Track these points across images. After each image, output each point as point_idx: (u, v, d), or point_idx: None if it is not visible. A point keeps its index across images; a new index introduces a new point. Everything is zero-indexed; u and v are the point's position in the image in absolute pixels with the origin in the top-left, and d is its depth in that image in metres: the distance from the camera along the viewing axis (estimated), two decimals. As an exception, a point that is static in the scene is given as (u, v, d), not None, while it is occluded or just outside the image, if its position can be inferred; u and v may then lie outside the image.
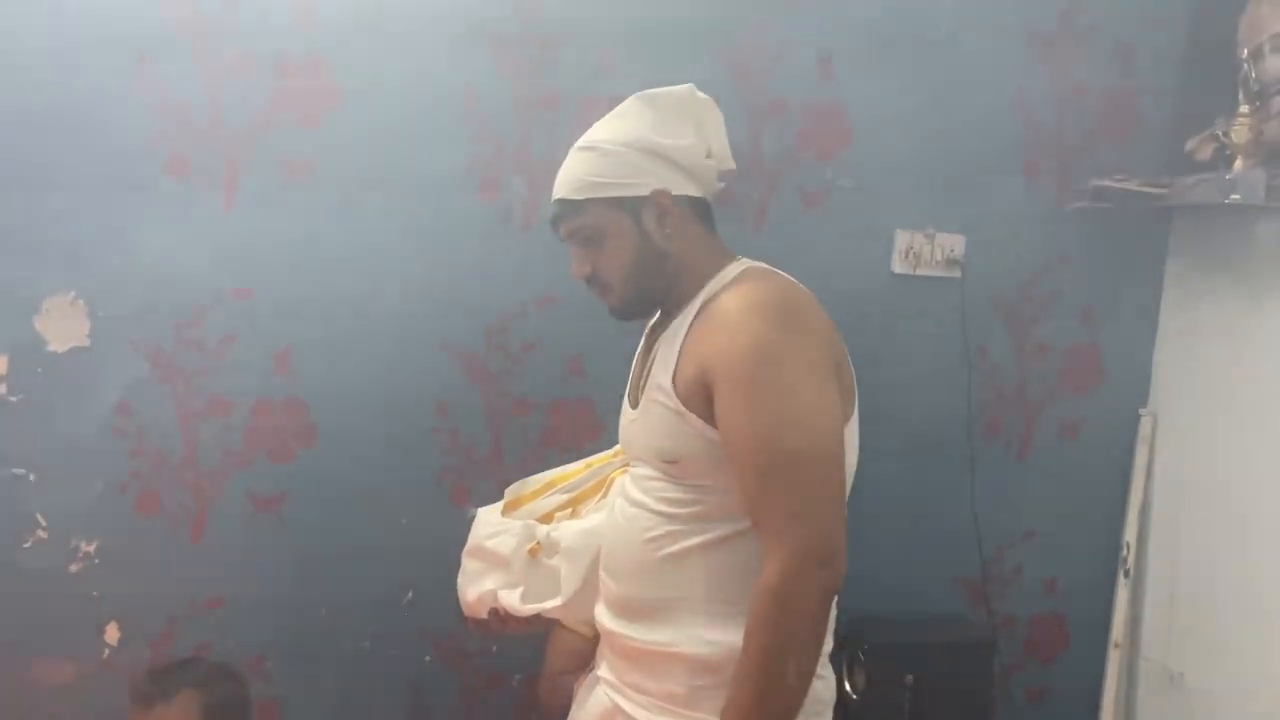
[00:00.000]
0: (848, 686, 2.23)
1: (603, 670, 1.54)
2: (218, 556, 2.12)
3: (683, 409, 1.36)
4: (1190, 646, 2.44)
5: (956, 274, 2.39)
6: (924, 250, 2.37)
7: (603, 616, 1.52)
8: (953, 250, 2.38)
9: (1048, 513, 2.53)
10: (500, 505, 1.75)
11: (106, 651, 2.12)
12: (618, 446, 1.69)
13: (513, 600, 1.62)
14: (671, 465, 1.39)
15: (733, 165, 1.54)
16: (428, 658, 2.26)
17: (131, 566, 2.10)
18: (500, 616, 1.66)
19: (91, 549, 2.10)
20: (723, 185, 1.54)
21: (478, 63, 2.12)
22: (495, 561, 1.65)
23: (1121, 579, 2.56)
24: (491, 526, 1.68)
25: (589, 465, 1.74)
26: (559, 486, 1.73)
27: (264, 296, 2.08)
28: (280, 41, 2.03)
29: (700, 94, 1.49)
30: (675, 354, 1.38)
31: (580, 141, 1.47)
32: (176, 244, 2.04)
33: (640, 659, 1.44)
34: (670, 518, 1.40)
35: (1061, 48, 2.37)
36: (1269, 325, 2.26)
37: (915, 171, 2.34)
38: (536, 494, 1.74)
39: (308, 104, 2.06)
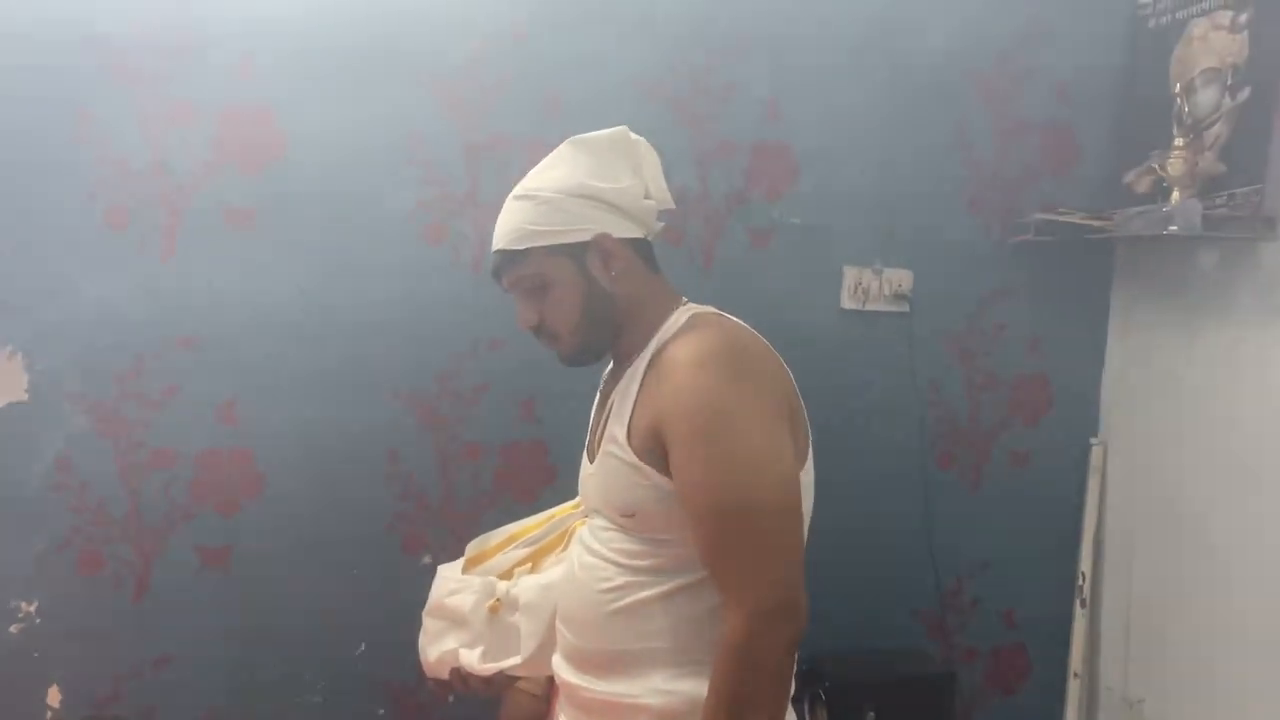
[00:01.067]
0: (809, 726, 2.21)
1: None
2: (163, 613, 2.08)
3: (638, 462, 1.34)
4: (1148, 674, 2.46)
5: (905, 308, 2.41)
6: (872, 286, 2.39)
7: (561, 669, 1.48)
8: (900, 285, 2.40)
9: (1003, 543, 2.54)
10: (461, 562, 1.71)
11: (48, 715, 2.06)
12: (580, 497, 1.67)
13: (472, 659, 1.59)
14: (629, 519, 1.37)
15: (672, 205, 1.52)
16: (381, 711, 2.21)
17: (74, 626, 2.05)
18: (461, 676, 1.62)
19: (32, 609, 2.04)
20: (663, 225, 1.53)
21: (423, 107, 2.12)
22: (455, 619, 1.62)
23: (1078, 608, 2.57)
24: (451, 584, 1.64)
25: (551, 517, 1.71)
26: (521, 540, 1.69)
27: (208, 346, 2.05)
28: (221, 90, 2.02)
29: (634, 135, 1.46)
30: (629, 407, 1.36)
31: (516, 190, 1.45)
32: (116, 294, 2.01)
33: (601, 712, 1.41)
34: (628, 569, 1.38)
35: (1001, 86, 2.41)
36: (1209, 351, 2.30)
37: (861, 209, 2.36)
38: (499, 548, 1.70)
39: (250, 152, 2.04)
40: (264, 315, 2.07)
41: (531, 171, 1.46)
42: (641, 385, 1.36)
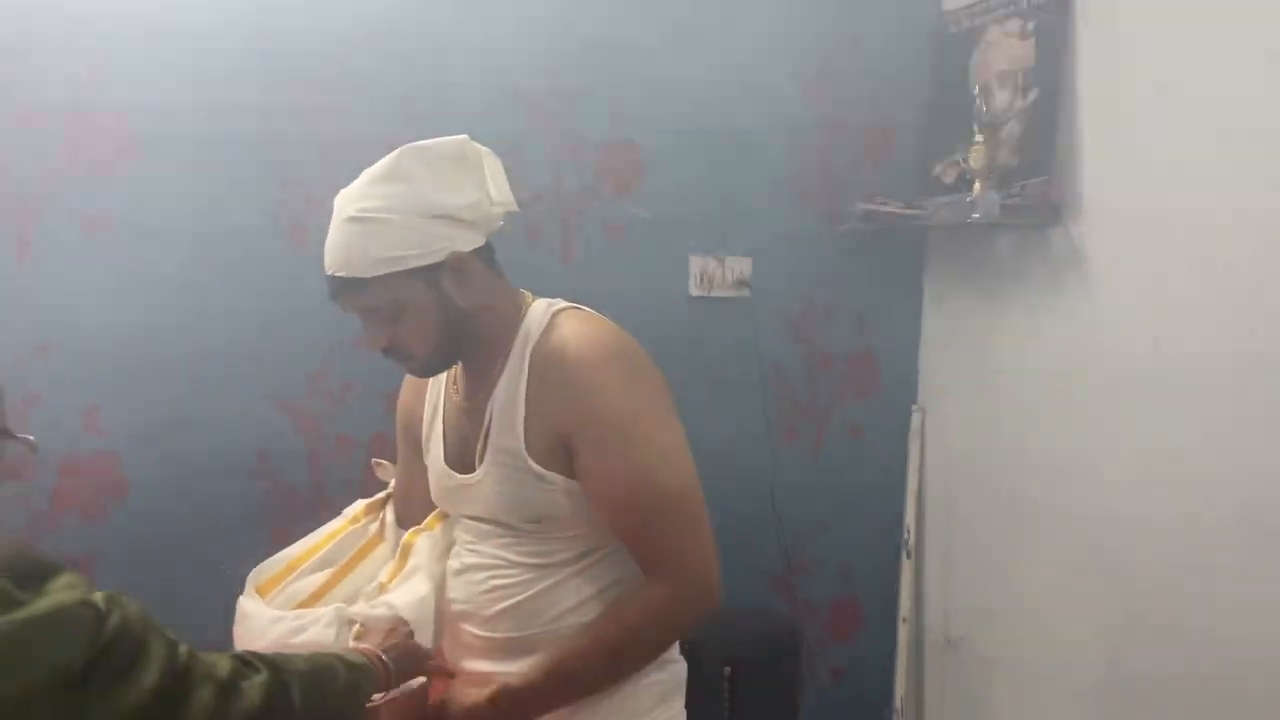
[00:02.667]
0: (673, 684, 2.38)
1: None
2: (29, 625, 2.04)
3: (543, 471, 1.37)
4: (966, 614, 2.75)
5: (746, 294, 2.60)
6: (716, 273, 2.57)
7: (471, 664, 1.49)
8: (742, 272, 2.59)
9: (839, 506, 2.78)
10: (254, 596, 1.59)
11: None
12: (353, 510, 1.68)
13: None
14: (535, 524, 1.41)
15: (516, 207, 1.46)
16: (260, 704, 2.24)
17: (-70, 645, 1.99)
18: None
19: (-120, 630, 1.97)
20: (503, 224, 1.46)
21: (280, 109, 2.14)
22: None
23: (905, 559, 2.84)
24: (289, 621, 1.49)
25: (331, 536, 1.66)
26: (306, 566, 1.61)
27: (69, 353, 2.02)
28: (72, 94, 1.99)
29: (475, 144, 1.41)
30: (519, 416, 1.37)
31: (351, 210, 1.34)
32: (-34, 305, 1.96)
33: None
34: (532, 567, 1.43)
35: (824, 87, 2.63)
36: (1008, 325, 2.58)
37: (704, 202, 2.54)
38: (279, 578, 1.61)
39: (104, 156, 2.02)
40: (127, 319, 2.05)
41: (361, 184, 1.37)
42: (528, 393, 1.37)
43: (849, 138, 2.67)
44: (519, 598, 1.44)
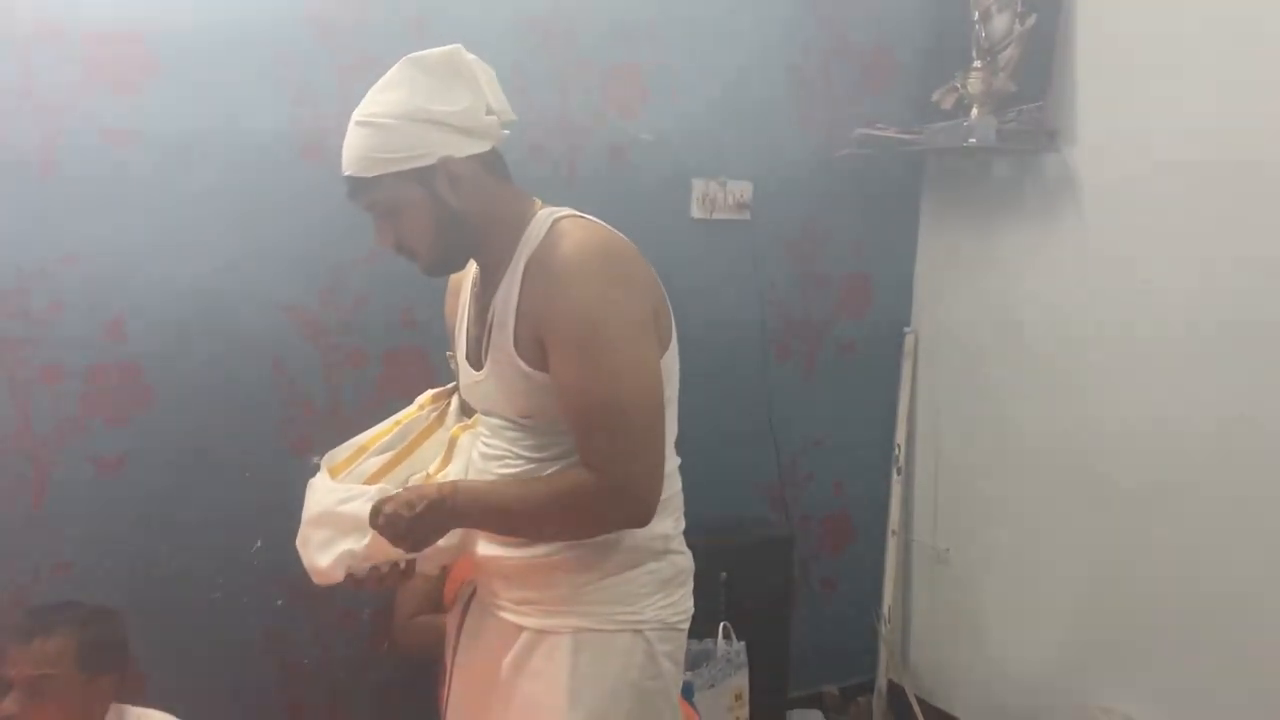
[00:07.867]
0: (671, 587, 2.50)
1: (484, 597, 1.65)
2: (62, 521, 2.15)
3: (528, 369, 1.45)
4: (952, 527, 2.87)
5: (746, 216, 2.67)
6: (718, 196, 2.64)
7: (482, 547, 1.60)
8: (742, 195, 2.66)
9: (832, 424, 2.89)
10: (325, 474, 1.69)
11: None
12: (421, 399, 1.78)
13: (392, 554, 1.56)
14: (529, 419, 1.53)
15: (514, 116, 1.53)
16: (280, 601, 2.36)
17: (-30, 539, 2.10)
18: (357, 579, 1.59)
19: (-74, 526, 2.08)
20: (508, 132, 1.53)
21: (295, 28, 2.19)
22: (351, 526, 1.58)
23: (895, 475, 2.96)
24: (340, 493, 1.60)
25: (398, 423, 1.76)
26: (373, 449, 1.71)
27: (93, 264, 2.09)
28: (90, 12, 2.03)
29: (468, 54, 1.48)
30: (512, 317, 1.46)
31: (357, 115, 1.46)
32: (-8, 214, 2.03)
33: (523, 575, 1.56)
34: (534, 460, 1.54)
35: (827, 10, 2.67)
36: (1003, 248, 2.66)
37: (706, 126, 2.59)
38: (351, 460, 1.70)
39: (124, 73, 2.07)
40: (150, 232, 2.12)
41: (370, 92, 1.47)
42: (521, 294, 1.45)
43: (850, 63, 2.72)
44: None
